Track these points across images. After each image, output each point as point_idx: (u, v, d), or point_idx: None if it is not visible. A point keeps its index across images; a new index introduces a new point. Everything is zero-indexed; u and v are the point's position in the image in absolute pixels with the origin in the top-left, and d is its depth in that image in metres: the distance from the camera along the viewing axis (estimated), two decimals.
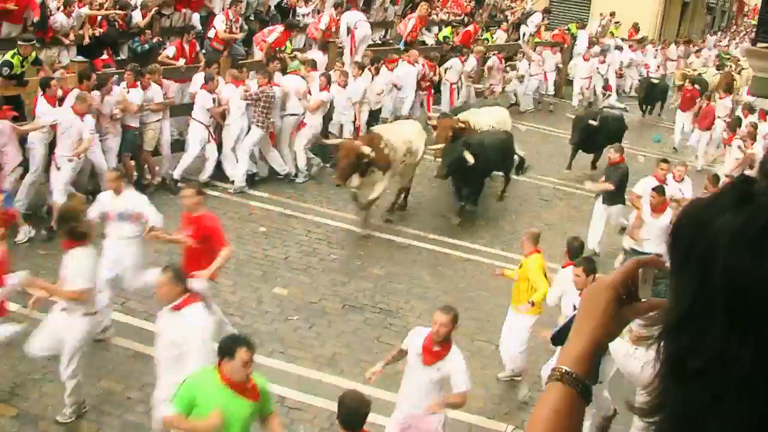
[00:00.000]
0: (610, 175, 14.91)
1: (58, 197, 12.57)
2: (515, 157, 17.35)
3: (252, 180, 16.25)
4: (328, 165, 16.98)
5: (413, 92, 20.08)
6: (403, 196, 16.25)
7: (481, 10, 29.03)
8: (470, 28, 24.98)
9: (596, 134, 18.80)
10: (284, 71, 17.16)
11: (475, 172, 15.29)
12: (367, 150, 13.91)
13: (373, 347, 11.00)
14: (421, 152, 15.89)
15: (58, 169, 12.98)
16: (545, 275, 10.27)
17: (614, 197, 14.75)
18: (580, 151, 19.51)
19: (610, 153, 15.39)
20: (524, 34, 27.20)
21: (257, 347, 10.60)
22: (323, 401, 9.69)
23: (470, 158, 14.54)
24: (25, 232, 12.73)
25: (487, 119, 17.59)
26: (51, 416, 9.10)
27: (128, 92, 14.53)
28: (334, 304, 12.23)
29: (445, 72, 21.60)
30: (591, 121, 18.73)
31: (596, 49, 27.37)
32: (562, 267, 10.52)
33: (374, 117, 18.47)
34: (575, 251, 10.57)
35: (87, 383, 9.61)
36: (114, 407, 9.38)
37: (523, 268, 10.36)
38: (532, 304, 10.11)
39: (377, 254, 13.99)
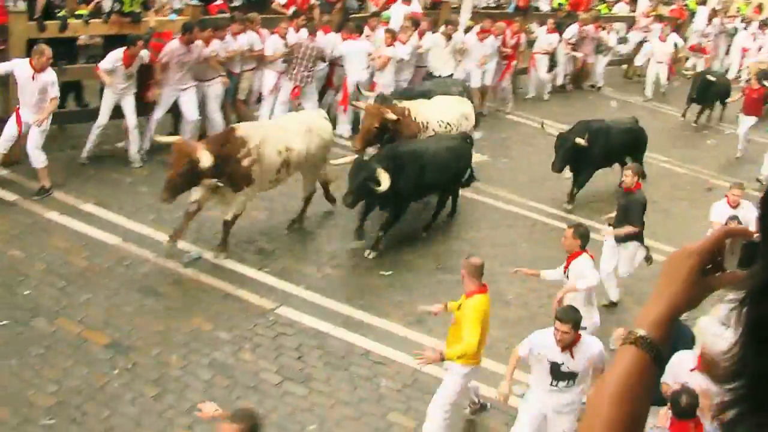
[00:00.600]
0: (622, 203, 11.68)
1: (37, 162, 12.16)
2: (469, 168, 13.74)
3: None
4: None
5: (494, 62, 19.01)
6: (303, 205, 12.77)
7: None
8: None
9: (592, 153, 14.50)
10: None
11: (402, 195, 12.15)
12: (202, 157, 10.45)
13: None
14: (313, 158, 12.24)
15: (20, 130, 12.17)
16: (483, 323, 8.25)
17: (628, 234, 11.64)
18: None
19: (624, 175, 11.82)
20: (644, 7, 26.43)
21: (349, 299, 10.79)
22: (408, 358, 9.70)
23: (385, 181, 11.30)
24: None
25: (441, 114, 13.82)
26: (141, 348, 9.33)
27: (236, 40, 14.79)
28: (427, 263, 12.21)
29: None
30: (578, 140, 14.08)
31: (716, 22, 26.49)
32: (572, 257, 9.65)
33: None
34: (586, 240, 9.63)
35: (178, 320, 9.86)
36: (203, 345, 9.56)
37: (461, 310, 8.34)
38: (442, 357, 8.14)
39: (474, 217, 13.90)
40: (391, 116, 12.84)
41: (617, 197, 11.92)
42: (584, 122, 14.85)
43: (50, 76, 12.08)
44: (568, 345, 7.67)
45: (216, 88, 14.57)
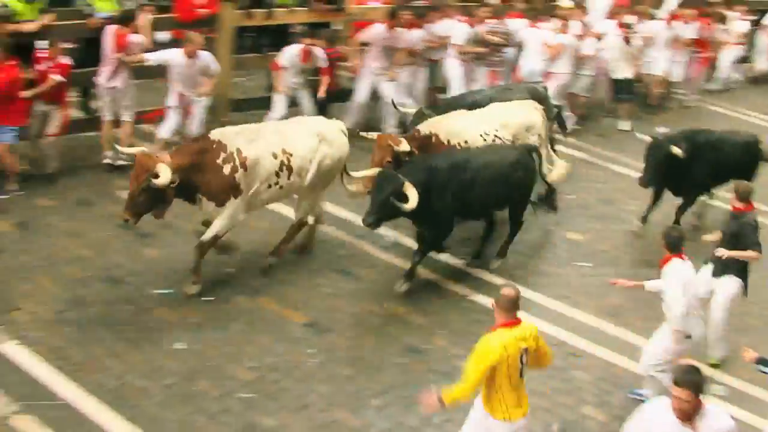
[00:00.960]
0: (730, 227, 9.62)
1: None
2: (536, 185, 11.51)
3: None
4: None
5: (684, 55, 17.88)
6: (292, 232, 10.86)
7: None
8: None
9: (696, 169, 11.97)
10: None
11: (439, 215, 10.33)
12: (160, 171, 9.14)
13: (658, 304, 10.60)
14: (313, 170, 10.39)
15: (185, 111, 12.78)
16: (489, 363, 6.54)
17: (728, 264, 9.44)
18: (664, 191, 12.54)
19: (732, 197, 9.86)
20: None
21: (542, 288, 10.64)
22: (602, 350, 9.56)
23: (413, 198, 9.61)
24: None
25: (487, 125, 11.49)
26: (337, 328, 9.51)
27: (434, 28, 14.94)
28: (625, 255, 11.91)
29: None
30: (674, 149, 11.69)
31: None
32: (662, 263, 8.48)
33: (624, 87, 16.65)
34: (674, 244, 8.41)
35: (373, 302, 9.99)
36: (397, 328, 9.65)
37: None
38: (441, 402, 6.64)
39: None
40: (404, 148, 10.73)
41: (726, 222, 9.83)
42: (689, 131, 12.60)
43: (205, 57, 12.59)
44: (688, 415, 5.92)
45: (404, 77, 14.74)
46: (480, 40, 15.16)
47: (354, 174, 10.55)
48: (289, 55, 13.58)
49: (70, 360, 8.60)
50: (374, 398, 8.48)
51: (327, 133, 10.59)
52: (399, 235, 11.44)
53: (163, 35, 14.50)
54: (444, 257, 11.10)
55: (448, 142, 11.10)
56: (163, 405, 8.08)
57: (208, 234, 9.82)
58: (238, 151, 9.76)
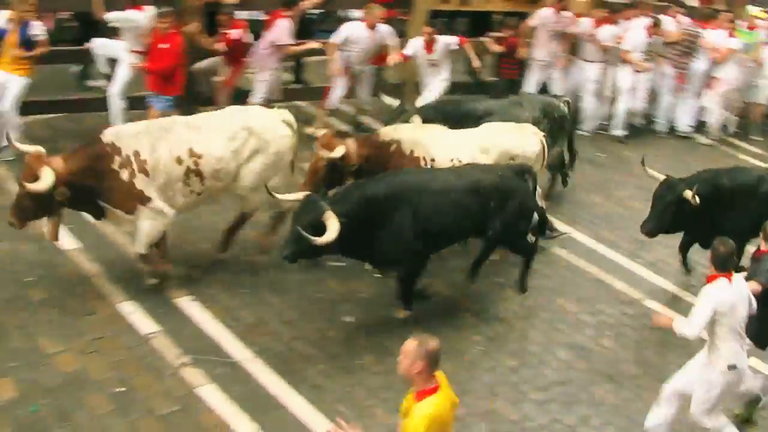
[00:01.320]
0: (756, 271, 8.01)
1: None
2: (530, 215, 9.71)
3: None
4: None
5: None
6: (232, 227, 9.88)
7: None
8: None
9: (726, 216, 9.90)
10: None
11: (390, 253, 8.71)
12: (42, 175, 8.14)
13: None
14: (235, 170, 9.25)
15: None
16: None
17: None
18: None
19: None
20: None
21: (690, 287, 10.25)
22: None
23: (330, 231, 7.90)
24: None
25: (462, 149, 9.88)
26: (505, 319, 9.47)
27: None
28: None
29: None
30: (687, 192, 9.57)
31: None
32: (707, 281, 7.30)
33: None
34: (722, 261, 7.19)
35: (544, 298, 9.91)
36: (565, 325, 9.51)
37: (409, 419, 5.46)
38: None
39: None
40: (336, 154, 9.52)
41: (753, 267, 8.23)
42: (713, 171, 10.37)
43: (384, 30, 13.03)
44: None
45: (593, 73, 14.53)
46: (651, 51, 14.91)
47: (279, 197, 8.83)
48: (414, 45, 13.34)
49: (241, 321, 8.85)
50: (535, 392, 8.37)
51: (258, 127, 9.34)
52: (575, 231, 11.26)
53: (358, 13, 14.73)
54: (622, 260, 10.83)
55: (411, 152, 9.79)
56: (325, 374, 8.20)
57: (137, 249, 8.96)
58: (136, 154, 8.63)
